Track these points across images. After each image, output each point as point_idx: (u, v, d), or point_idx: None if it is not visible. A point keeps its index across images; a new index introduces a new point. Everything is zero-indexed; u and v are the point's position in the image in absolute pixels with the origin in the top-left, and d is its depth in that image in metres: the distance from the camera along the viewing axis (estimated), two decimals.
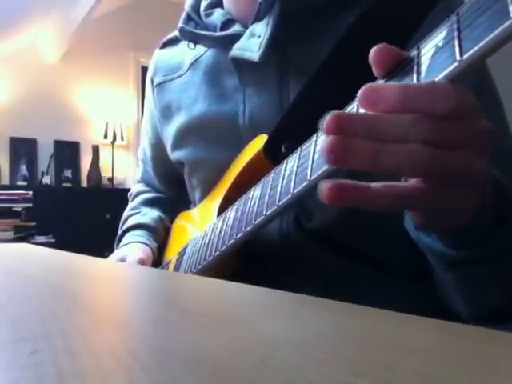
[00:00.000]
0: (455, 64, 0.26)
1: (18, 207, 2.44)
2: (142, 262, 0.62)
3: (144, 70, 3.93)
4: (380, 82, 0.32)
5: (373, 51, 0.30)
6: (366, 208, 0.28)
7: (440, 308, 0.44)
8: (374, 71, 0.31)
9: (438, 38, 0.28)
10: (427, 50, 0.29)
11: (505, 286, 0.39)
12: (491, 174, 0.35)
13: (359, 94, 0.28)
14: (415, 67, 0.29)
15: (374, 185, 0.28)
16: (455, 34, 0.26)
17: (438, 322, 0.19)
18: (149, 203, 0.80)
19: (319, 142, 0.35)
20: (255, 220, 0.42)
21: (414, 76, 0.29)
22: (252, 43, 0.54)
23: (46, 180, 3.51)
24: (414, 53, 0.30)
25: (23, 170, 3.48)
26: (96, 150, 3.68)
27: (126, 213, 0.80)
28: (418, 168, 0.27)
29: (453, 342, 0.17)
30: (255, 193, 0.45)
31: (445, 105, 0.26)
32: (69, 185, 3.61)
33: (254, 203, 0.44)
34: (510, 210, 0.35)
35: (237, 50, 0.55)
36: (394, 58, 0.30)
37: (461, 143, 0.27)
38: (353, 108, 0.33)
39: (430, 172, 0.27)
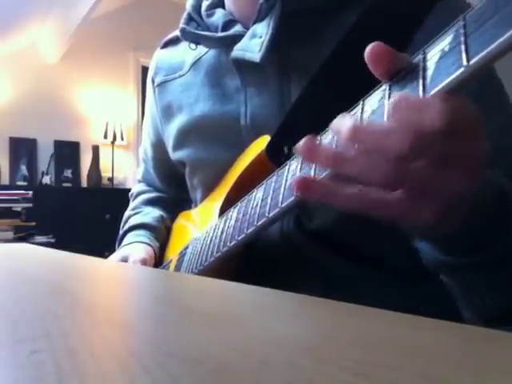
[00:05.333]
0: (462, 69, 0.25)
1: (17, 207, 2.44)
2: (144, 262, 0.62)
3: (144, 69, 3.91)
4: (384, 86, 0.32)
5: (368, 50, 0.30)
6: (339, 206, 0.30)
7: (440, 308, 0.44)
8: (373, 71, 0.31)
9: (444, 42, 0.28)
10: (433, 55, 0.28)
11: (503, 294, 0.39)
12: (496, 182, 0.35)
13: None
14: (421, 72, 0.29)
15: (348, 186, 0.30)
16: (462, 38, 0.26)
17: (437, 322, 0.19)
18: (150, 203, 0.80)
19: (322, 143, 0.36)
20: (257, 222, 0.42)
21: (420, 81, 0.28)
22: (253, 44, 0.54)
23: (46, 180, 3.50)
24: (419, 57, 0.30)
25: (23, 170, 3.47)
26: (96, 149, 3.68)
27: (127, 213, 0.80)
28: (391, 181, 0.28)
29: (453, 342, 0.17)
30: (257, 194, 0.45)
31: (434, 120, 0.26)
32: (69, 185, 3.60)
33: (257, 204, 0.44)
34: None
35: (238, 50, 0.55)
36: (390, 58, 0.30)
37: (449, 160, 0.27)
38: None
39: (407, 185, 0.28)
